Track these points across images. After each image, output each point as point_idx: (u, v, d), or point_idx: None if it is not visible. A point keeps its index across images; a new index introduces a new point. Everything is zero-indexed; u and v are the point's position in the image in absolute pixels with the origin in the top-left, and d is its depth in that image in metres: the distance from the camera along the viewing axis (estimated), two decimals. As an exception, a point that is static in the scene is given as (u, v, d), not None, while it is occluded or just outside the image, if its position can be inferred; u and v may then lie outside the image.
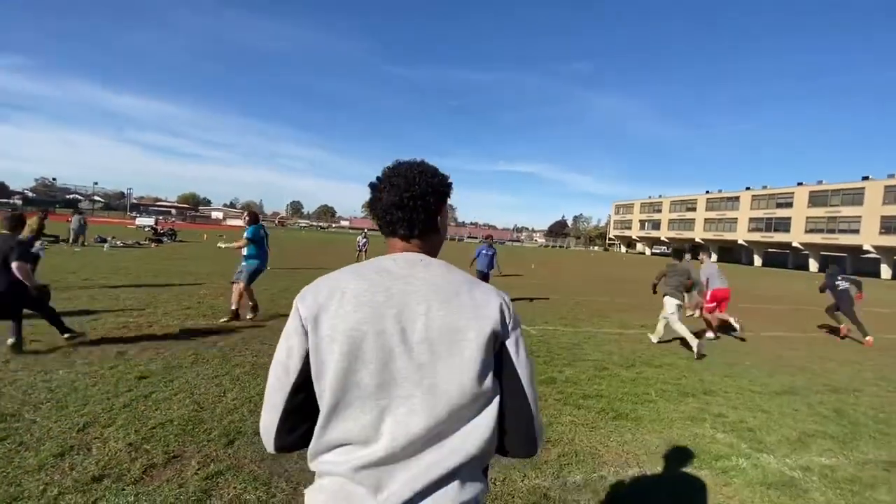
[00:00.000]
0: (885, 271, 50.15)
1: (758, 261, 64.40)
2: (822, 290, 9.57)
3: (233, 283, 6.87)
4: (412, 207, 1.02)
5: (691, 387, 5.06)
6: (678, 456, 3.33)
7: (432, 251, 1.09)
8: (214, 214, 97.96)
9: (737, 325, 8.23)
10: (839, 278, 9.27)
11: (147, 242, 21.13)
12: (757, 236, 63.34)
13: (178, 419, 3.31)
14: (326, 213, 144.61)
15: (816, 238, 55.69)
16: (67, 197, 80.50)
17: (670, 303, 6.98)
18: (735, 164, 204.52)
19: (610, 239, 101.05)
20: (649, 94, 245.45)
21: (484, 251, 10.52)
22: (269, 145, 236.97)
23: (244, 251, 6.80)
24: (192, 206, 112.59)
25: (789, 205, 59.40)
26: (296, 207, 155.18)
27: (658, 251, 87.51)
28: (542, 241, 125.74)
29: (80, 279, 9.29)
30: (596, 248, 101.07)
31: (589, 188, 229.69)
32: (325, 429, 0.94)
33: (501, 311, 0.97)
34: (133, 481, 2.53)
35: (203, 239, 28.46)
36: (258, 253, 6.86)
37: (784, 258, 63.46)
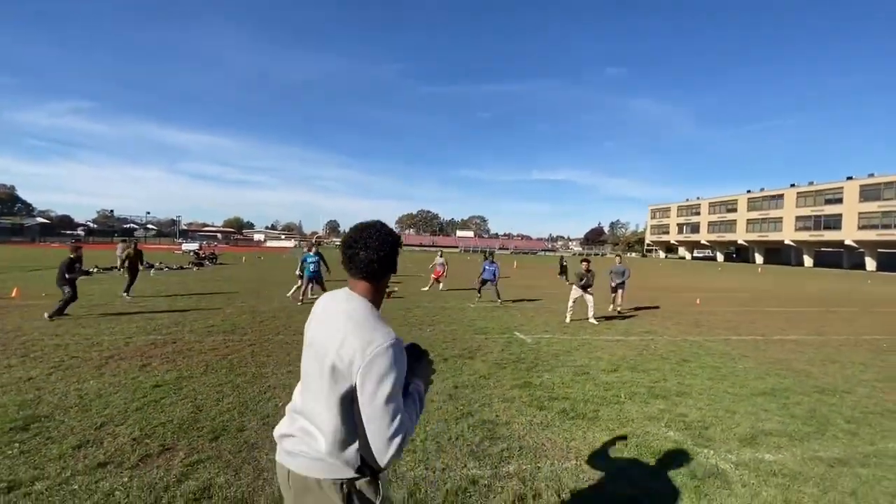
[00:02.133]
0: (954, 268, 46.17)
1: (808, 261, 60.84)
2: None
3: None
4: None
5: (666, 390, 5.20)
6: (619, 451, 3.57)
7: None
8: (256, 237, 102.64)
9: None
10: None
11: (190, 266, 22.73)
12: (805, 235, 59.91)
13: (177, 419, 3.87)
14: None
15: (871, 234, 52.10)
16: (124, 226, 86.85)
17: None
18: (777, 161, 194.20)
19: (648, 244, 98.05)
20: (684, 95, 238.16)
21: (487, 266, 12.89)
22: (306, 168, 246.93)
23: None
24: (237, 229, 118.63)
25: (839, 201, 55.99)
26: (332, 226, 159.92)
27: (700, 255, 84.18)
28: (577, 249, 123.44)
29: (124, 302, 10.34)
30: (633, 254, 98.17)
31: (625, 192, 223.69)
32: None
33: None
34: (130, 467, 3.09)
35: (242, 262, 30.13)
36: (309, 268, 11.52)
37: (838, 257, 59.57)
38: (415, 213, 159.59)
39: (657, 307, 12.99)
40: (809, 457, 3.62)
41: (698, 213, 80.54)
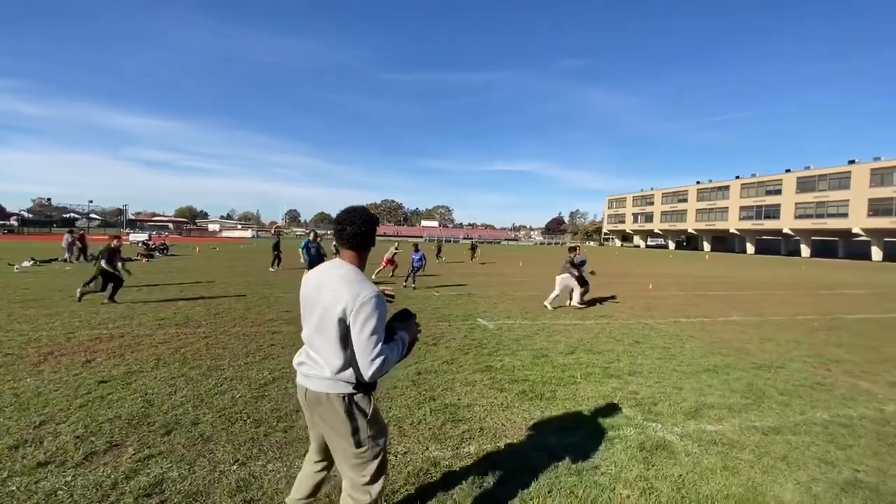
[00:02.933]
0: (876, 253, 50.61)
1: (750, 248, 64.85)
2: None
3: None
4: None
5: (619, 369, 5.45)
6: (575, 428, 3.72)
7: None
8: (211, 227, 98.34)
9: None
10: None
11: (138, 258, 21.52)
12: (748, 224, 63.81)
13: (126, 415, 3.70)
14: (324, 220, 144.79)
15: (806, 224, 56.17)
16: (64, 216, 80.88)
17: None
18: (726, 153, 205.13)
19: (605, 233, 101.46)
20: (640, 88, 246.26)
21: (414, 255, 13.84)
22: (264, 155, 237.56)
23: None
24: (190, 219, 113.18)
25: (778, 192, 59.91)
26: (293, 215, 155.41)
27: (653, 244, 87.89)
28: (539, 238, 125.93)
29: (65, 296, 9.68)
30: (591, 243, 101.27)
31: (585, 184, 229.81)
32: None
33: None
34: (74, 465, 2.93)
35: (195, 252, 28.84)
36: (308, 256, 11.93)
37: (776, 245, 63.89)
38: (379, 202, 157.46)
39: (613, 296, 13.50)
40: (747, 426, 3.90)
41: (652, 203, 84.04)
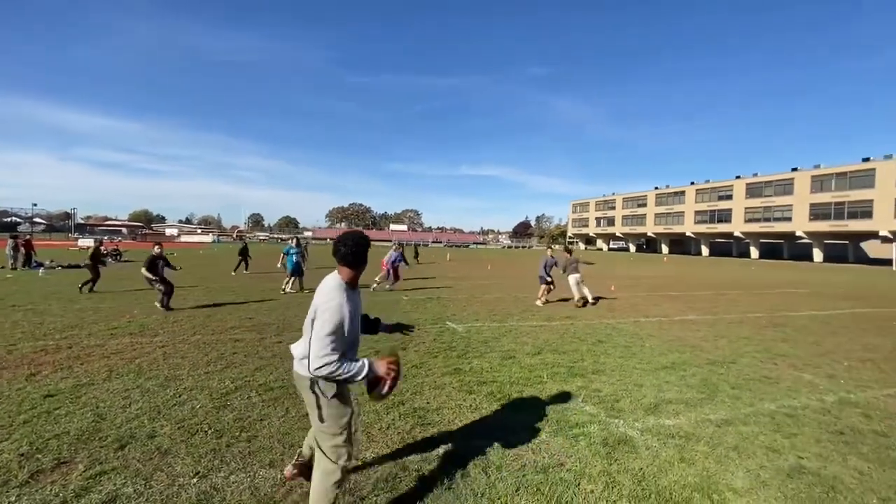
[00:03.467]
0: (817, 255, 54.11)
1: (705, 251, 67.99)
2: None
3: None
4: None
5: (584, 368, 5.60)
6: (542, 427, 3.80)
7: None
8: (169, 231, 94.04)
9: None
10: None
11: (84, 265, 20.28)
12: (703, 228, 66.88)
13: (74, 430, 3.49)
14: (288, 224, 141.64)
15: (755, 227, 59.45)
16: (5, 220, 75.45)
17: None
18: (682, 160, 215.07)
19: (570, 237, 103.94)
20: (602, 96, 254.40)
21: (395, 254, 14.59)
22: (227, 157, 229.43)
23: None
24: (145, 223, 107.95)
25: (729, 197, 63.14)
26: (256, 220, 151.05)
27: (615, 246, 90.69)
28: (507, 242, 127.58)
29: (6, 305, 9.03)
30: (557, 246, 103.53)
31: (551, 189, 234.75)
32: None
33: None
34: (19, 485, 2.74)
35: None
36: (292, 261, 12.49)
37: (729, 247, 67.36)
38: (346, 206, 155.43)
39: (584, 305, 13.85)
40: (702, 419, 4.09)
41: (614, 208, 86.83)
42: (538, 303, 11.67)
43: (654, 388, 4.94)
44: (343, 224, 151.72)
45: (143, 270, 9.24)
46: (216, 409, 3.99)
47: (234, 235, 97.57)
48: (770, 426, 3.98)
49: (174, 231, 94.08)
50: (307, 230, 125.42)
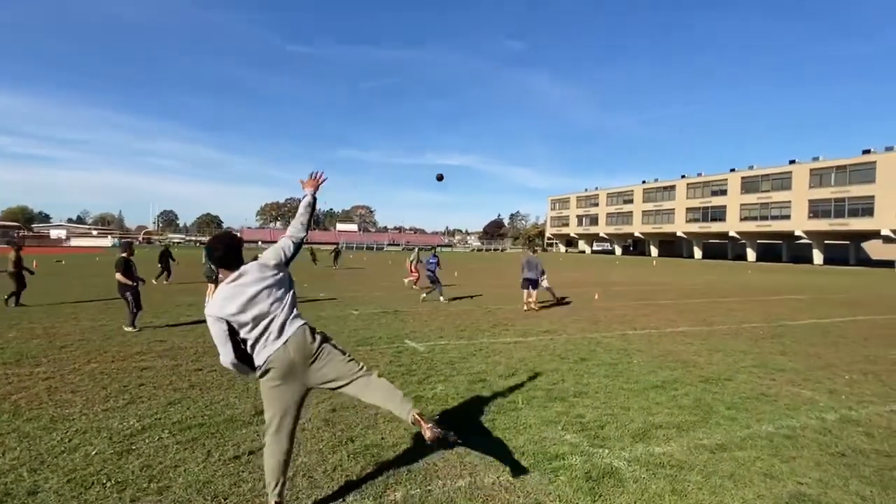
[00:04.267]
0: (817, 256, 57.80)
1: (698, 253, 71.22)
2: None
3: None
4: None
5: (564, 391, 5.73)
6: (516, 461, 3.86)
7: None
8: (55, 233, 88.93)
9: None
10: None
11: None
12: (695, 227, 70.07)
13: (-72, 489, 3.24)
14: (209, 223, 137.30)
15: (751, 226, 62.86)
16: None
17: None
18: (671, 151, 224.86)
19: (548, 238, 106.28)
20: (585, 76, 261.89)
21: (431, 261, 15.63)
22: (130, 141, 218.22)
23: None
24: (23, 223, 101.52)
25: (724, 192, 66.49)
26: (168, 219, 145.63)
27: (599, 248, 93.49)
28: (477, 243, 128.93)
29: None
30: (527, 249, 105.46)
31: (526, 181, 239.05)
32: None
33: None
34: None
35: (33, 266, 25.90)
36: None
37: (724, 249, 70.81)
38: (282, 201, 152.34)
39: (558, 303, 14.18)
40: (695, 445, 4.28)
41: (597, 205, 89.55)
42: (524, 307, 12.81)
43: (642, 410, 5.12)
44: (278, 223, 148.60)
45: (123, 280, 9.23)
46: (117, 455, 3.81)
47: (141, 238, 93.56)
48: (768, 450, 4.22)
49: (62, 233, 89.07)
50: (233, 231, 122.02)
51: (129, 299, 9.09)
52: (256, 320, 2.81)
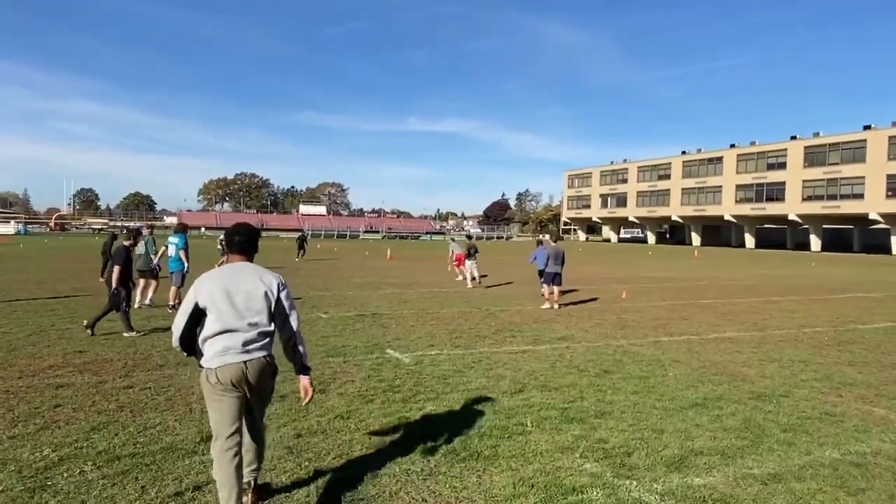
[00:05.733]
0: (896, 244, 58.25)
1: (750, 241, 71.76)
2: None
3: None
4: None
5: (583, 410, 5.82)
6: (523, 497, 3.92)
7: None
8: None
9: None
10: None
11: None
12: (747, 209, 70.55)
13: None
14: (138, 205, 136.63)
15: (816, 207, 63.34)
16: None
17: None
18: (718, 115, 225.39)
19: (565, 222, 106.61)
20: (608, 21, 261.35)
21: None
22: (36, 100, 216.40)
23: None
24: None
25: (783, 165, 66.90)
26: (87, 199, 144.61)
27: (627, 236, 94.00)
28: (476, 230, 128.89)
29: None
30: (546, 236, 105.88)
31: (536, 152, 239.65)
32: None
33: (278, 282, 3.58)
34: None
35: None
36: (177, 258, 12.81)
37: (782, 236, 71.37)
38: (231, 177, 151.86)
39: (576, 302, 14.29)
40: (742, 475, 4.37)
41: (626, 181, 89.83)
42: (546, 305, 13.69)
43: (679, 434, 5.21)
44: (226, 205, 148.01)
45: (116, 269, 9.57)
46: (29, 492, 3.83)
47: (53, 224, 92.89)
48: (832, 480, 4.31)
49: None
50: (168, 214, 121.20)
51: (123, 298, 9.39)
52: (225, 314, 3.37)
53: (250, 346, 3.37)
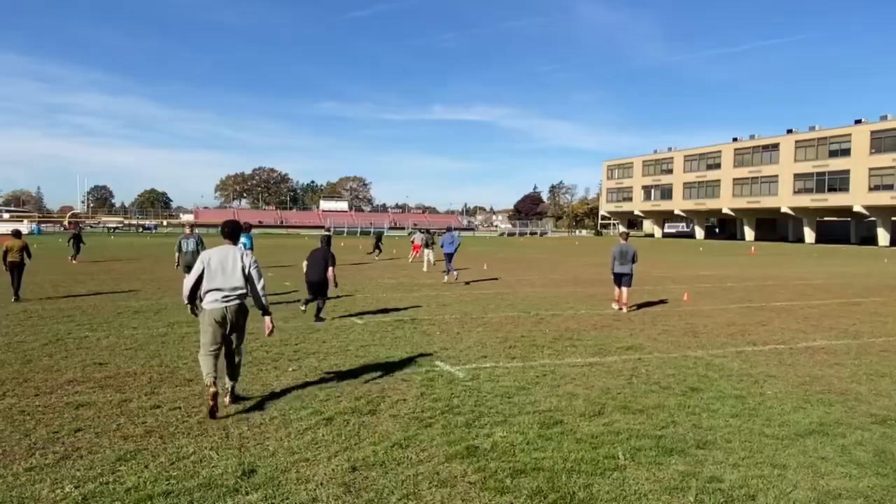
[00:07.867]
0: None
1: (810, 235, 69.95)
2: None
3: None
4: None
5: (679, 438, 5.29)
6: (638, 553, 3.43)
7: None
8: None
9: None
10: None
11: None
12: (807, 201, 68.79)
13: None
14: (154, 202, 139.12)
15: (884, 198, 61.38)
16: None
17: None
18: (773, 98, 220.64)
19: (604, 216, 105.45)
20: (652, 1, 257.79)
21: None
22: (49, 94, 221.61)
23: None
24: None
25: (847, 152, 65.05)
26: (101, 197, 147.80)
27: (672, 230, 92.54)
28: (506, 225, 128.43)
29: None
30: (583, 231, 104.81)
31: (570, 141, 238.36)
32: None
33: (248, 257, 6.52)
34: None
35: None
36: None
37: (845, 229, 69.43)
38: (249, 172, 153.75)
39: (634, 306, 13.73)
40: (898, 526, 3.81)
41: (670, 172, 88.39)
42: (616, 308, 13.77)
43: (804, 469, 4.65)
44: (243, 201, 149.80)
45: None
46: (50, 541, 3.48)
47: (67, 223, 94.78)
48: None
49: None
50: (185, 211, 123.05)
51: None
52: (214, 273, 5.96)
53: (230, 297, 5.94)
